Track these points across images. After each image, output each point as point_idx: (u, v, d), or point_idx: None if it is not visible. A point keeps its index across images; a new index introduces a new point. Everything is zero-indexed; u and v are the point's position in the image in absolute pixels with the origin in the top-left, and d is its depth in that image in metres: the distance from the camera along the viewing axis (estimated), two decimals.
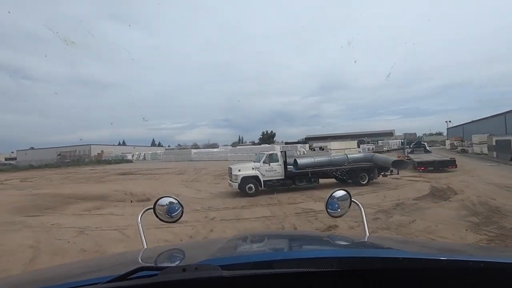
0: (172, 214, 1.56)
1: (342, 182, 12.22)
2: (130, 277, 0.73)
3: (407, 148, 27.23)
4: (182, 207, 1.60)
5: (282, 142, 74.05)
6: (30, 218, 8.46)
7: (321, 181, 11.52)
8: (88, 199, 11.45)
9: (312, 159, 11.51)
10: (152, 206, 1.57)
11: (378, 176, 11.76)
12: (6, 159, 75.15)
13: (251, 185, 10.25)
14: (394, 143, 52.76)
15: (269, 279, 0.73)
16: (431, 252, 1.13)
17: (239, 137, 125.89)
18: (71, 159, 56.93)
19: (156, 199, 1.60)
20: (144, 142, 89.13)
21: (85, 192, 13.79)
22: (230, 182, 10.79)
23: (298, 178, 10.97)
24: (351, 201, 1.56)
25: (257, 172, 10.56)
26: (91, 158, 56.72)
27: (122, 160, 52.25)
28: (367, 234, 1.49)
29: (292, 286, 0.76)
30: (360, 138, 51.91)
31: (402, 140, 42.87)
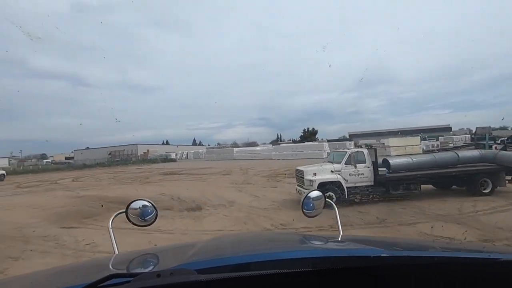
0: (146, 218, 1.49)
1: (445, 189, 9.18)
2: (101, 285, 0.69)
3: (492, 143, 22.51)
4: (156, 211, 1.52)
5: (322, 139, 70.17)
6: (66, 231, 7.00)
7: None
8: None
9: (410, 159, 8.64)
10: (124, 210, 1.48)
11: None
12: (66, 158, 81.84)
13: (331, 193, 7.77)
14: (457, 138, 46.50)
15: (246, 281, 0.73)
16: (400, 249, 1.17)
17: (278, 135, 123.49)
18: (120, 158, 59.44)
19: (129, 202, 1.50)
20: (185, 141, 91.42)
21: (129, 195, 12.49)
22: (300, 188, 8.43)
23: (392, 185, 8.25)
24: (325, 201, 1.61)
25: (338, 176, 8.09)
26: (138, 157, 58.55)
27: (166, 159, 52.95)
28: (341, 233, 1.50)
29: (269, 287, 0.76)
30: (414, 134, 46.34)
31: (473, 135, 37.08)
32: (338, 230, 1.53)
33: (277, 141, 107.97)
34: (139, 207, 1.50)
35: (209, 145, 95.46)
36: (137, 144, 66.26)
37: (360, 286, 0.85)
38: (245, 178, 16.67)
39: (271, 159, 38.74)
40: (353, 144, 48.58)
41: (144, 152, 60.20)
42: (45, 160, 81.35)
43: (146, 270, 0.98)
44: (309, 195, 1.60)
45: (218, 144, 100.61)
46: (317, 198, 1.60)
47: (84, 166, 44.64)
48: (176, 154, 57.66)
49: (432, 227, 5.69)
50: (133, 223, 1.52)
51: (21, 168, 47.04)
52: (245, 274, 0.75)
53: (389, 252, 1.01)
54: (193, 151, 64.84)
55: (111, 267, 1.13)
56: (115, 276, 0.71)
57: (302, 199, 1.59)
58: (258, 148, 49.19)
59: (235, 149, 47.87)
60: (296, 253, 1.02)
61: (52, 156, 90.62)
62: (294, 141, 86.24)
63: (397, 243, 1.50)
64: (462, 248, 1.18)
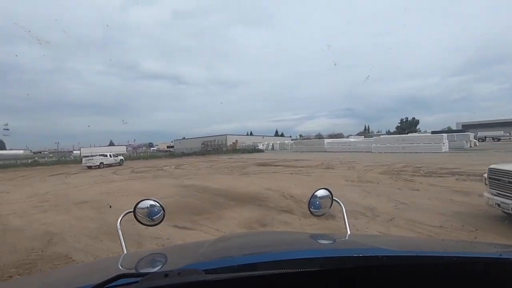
0: (153, 217, 1.51)
1: None
2: (109, 285, 0.69)
3: None
4: (164, 210, 1.53)
5: (426, 131, 59.57)
6: (179, 233, 5.80)
7: None
8: (242, 202, 8.54)
9: None
10: (132, 210, 1.49)
11: None
12: (167, 147, 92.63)
13: None
14: None
15: (253, 281, 0.73)
16: (409, 248, 1.14)
17: (365, 127, 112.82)
18: (212, 147, 63.19)
19: (137, 202, 1.51)
20: (268, 132, 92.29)
21: (234, 187, 11.34)
22: (504, 200, 5.28)
23: None
24: (332, 200, 1.58)
25: None
26: (228, 147, 61.09)
27: (254, 149, 53.47)
28: (349, 232, 1.49)
29: (276, 287, 0.76)
30: None
31: None
32: (346, 229, 1.52)
33: (365, 132, 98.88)
34: (147, 207, 1.51)
35: (290, 136, 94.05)
36: (226, 134, 69.52)
37: (369, 286, 0.84)
38: (358, 175, 13.82)
39: (370, 152, 34.14)
40: (471, 136, 38.81)
41: (233, 142, 62.53)
42: (152, 148, 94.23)
43: (154, 270, 0.96)
44: (315, 193, 1.57)
45: (300, 135, 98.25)
46: (324, 196, 1.57)
47: (182, 154, 48.66)
48: (263, 145, 57.73)
49: None
50: (140, 223, 1.51)
51: (135, 154, 54.57)
52: (253, 274, 0.76)
53: (399, 251, 0.99)
54: (278, 142, 64.08)
55: (119, 266, 1.13)
56: (124, 276, 0.71)
57: (309, 198, 1.56)
58: (352, 139, 44.54)
59: (326, 140, 44.43)
60: (303, 253, 1.03)
61: (157, 145, 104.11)
62: (390, 133, 76.74)
63: (406, 242, 1.47)
64: (473, 247, 1.17)
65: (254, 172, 17.33)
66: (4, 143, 72.68)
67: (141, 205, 1.51)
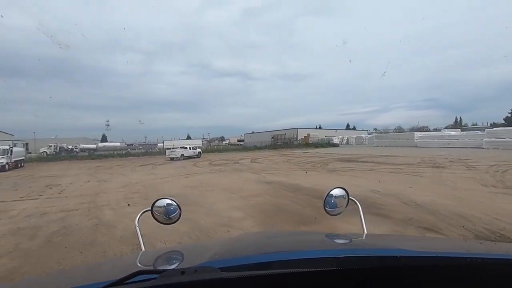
0: (170, 216, 1.51)
1: None
2: (128, 281, 0.70)
3: None
4: (180, 209, 1.54)
5: None
6: None
7: None
8: None
9: None
10: (149, 208, 1.50)
11: None
12: (238, 140, 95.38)
13: None
14: None
15: (268, 280, 0.73)
16: (429, 249, 1.09)
17: (456, 119, 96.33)
18: (281, 141, 61.97)
19: (154, 201, 1.52)
20: (337, 126, 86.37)
21: (328, 187, 9.52)
22: None
23: None
24: (348, 199, 1.54)
25: None
26: (298, 141, 59.02)
27: (328, 143, 50.20)
28: (365, 232, 1.46)
29: (292, 287, 0.76)
30: None
31: None
32: (362, 228, 1.49)
33: (457, 125, 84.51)
34: (164, 206, 1.51)
35: (367, 130, 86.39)
36: (297, 128, 67.41)
37: (386, 287, 0.82)
38: (493, 177, 10.44)
39: (481, 148, 27.95)
40: None
41: (304, 136, 60.07)
42: (224, 142, 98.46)
43: (171, 267, 0.96)
44: (331, 192, 1.55)
45: (375, 129, 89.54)
46: (340, 196, 1.54)
47: (255, 148, 48.61)
48: (337, 139, 53.87)
49: None
50: (158, 221, 1.52)
51: (209, 147, 57.09)
52: (268, 272, 0.76)
53: (418, 252, 0.94)
54: (354, 136, 59.08)
55: (138, 263, 1.15)
56: (142, 273, 0.73)
57: (324, 197, 1.55)
58: (453, 133, 37.56)
59: (417, 134, 38.45)
60: (319, 252, 1.01)
61: (228, 139, 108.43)
62: (495, 125, 63.59)
63: (426, 243, 1.43)
64: (498, 248, 1.14)
65: (342, 169, 15.12)
66: (106, 137, 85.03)
67: (158, 203, 1.52)
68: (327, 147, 46.90)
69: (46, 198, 9.77)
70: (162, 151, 40.86)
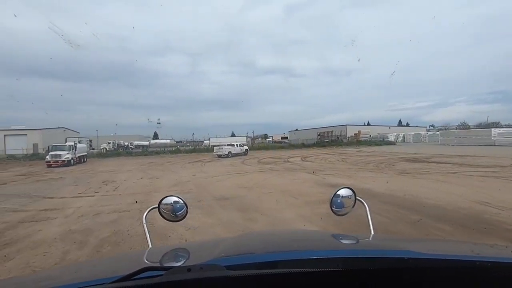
0: (177, 214, 1.52)
1: None
2: (135, 277, 0.71)
3: None
4: (187, 207, 1.56)
5: None
6: None
7: None
8: (464, 229, 4.98)
9: None
10: (156, 206, 1.51)
11: None
12: (282, 138, 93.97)
13: None
14: None
15: (274, 279, 0.73)
16: (438, 251, 1.11)
17: None
18: (329, 139, 59.05)
19: (161, 198, 1.53)
20: (386, 122, 79.82)
21: (413, 195, 7.73)
22: None
23: None
24: (356, 199, 1.53)
25: None
26: (348, 139, 55.58)
27: (382, 141, 46.22)
28: (372, 233, 1.44)
29: (297, 286, 0.76)
30: None
31: None
32: (370, 229, 1.47)
33: None
34: (171, 203, 1.52)
35: (417, 126, 78.47)
36: (346, 125, 63.65)
37: None
38: None
39: None
40: None
41: (354, 133, 56.39)
42: (267, 139, 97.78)
43: (178, 264, 0.99)
44: (338, 192, 1.54)
45: (432, 126, 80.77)
46: (347, 196, 1.53)
47: (302, 145, 46.74)
48: (393, 136, 49.34)
49: None
50: (165, 218, 1.52)
51: (253, 145, 56.59)
52: (274, 271, 0.75)
53: (426, 254, 0.92)
54: (412, 133, 53.68)
55: (145, 260, 1.16)
56: (149, 269, 0.74)
57: (330, 197, 1.54)
58: None
59: (495, 130, 33.04)
60: (325, 252, 1.00)
61: (272, 136, 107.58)
62: None
63: (435, 245, 1.43)
64: (509, 252, 1.08)
65: (415, 171, 12.91)
66: (157, 134, 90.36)
67: (165, 201, 1.52)
68: (381, 145, 43.16)
69: (102, 195, 9.57)
70: (210, 148, 41.35)
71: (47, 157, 24.40)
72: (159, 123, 78.37)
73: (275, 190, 9.33)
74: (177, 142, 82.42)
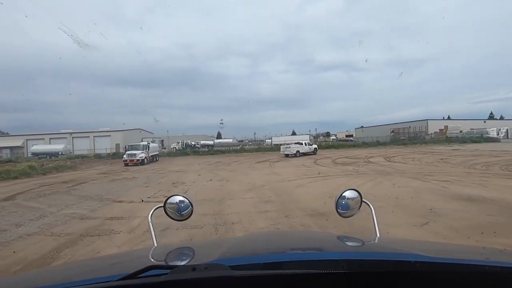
0: (182, 213, 1.53)
1: None
2: (140, 275, 0.72)
3: None
4: (192, 206, 1.56)
5: None
6: None
7: None
8: None
9: None
10: (162, 205, 1.53)
11: None
12: (346, 136, 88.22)
13: None
14: None
15: (278, 280, 0.72)
16: (445, 255, 1.03)
17: None
18: (406, 136, 52.03)
19: (166, 198, 1.54)
20: (468, 116, 66.53)
21: None
22: None
23: None
24: (361, 201, 1.51)
25: None
26: (431, 135, 48.02)
27: (481, 137, 38.27)
28: (378, 235, 1.43)
29: (302, 287, 0.75)
30: None
31: None
32: (375, 231, 1.45)
33: None
34: (176, 202, 1.53)
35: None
36: (427, 119, 55.30)
37: None
38: None
39: None
40: None
41: (440, 129, 48.47)
42: (331, 137, 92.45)
43: (182, 263, 0.97)
44: (344, 194, 1.52)
45: None
46: (352, 198, 1.51)
47: (376, 143, 41.71)
48: (497, 132, 40.53)
49: None
50: (170, 217, 1.53)
51: (317, 143, 53.08)
52: (278, 272, 0.75)
53: (434, 258, 0.88)
54: None
55: (150, 258, 1.15)
56: (154, 268, 0.73)
57: (336, 199, 1.53)
58: None
59: None
60: (330, 254, 1.01)
61: (335, 134, 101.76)
62: None
63: (442, 249, 1.37)
64: None
65: None
66: (220, 134, 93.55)
67: (171, 200, 1.53)
68: (479, 141, 35.63)
69: None
70: (274, 147, 39.78)
71: (124, 156, 25.81)
72: (222, 123, 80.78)
73: (386, 203, 6.82)
74: (239, 141, 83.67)
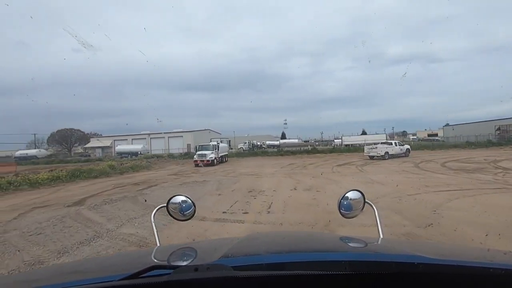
0: (185, 213, 1.54)
1: None
2: (142, 275, 0.72)
3: None
4: (194, 206, 1.57)
5: None
6: None
7: None
8: None
9: None
10: (165, 204, 1.55)
11: None
12: (428, 135, 77.20)
13: None
14: None
15: (281, 280, 0.72)
16: (448, 257, 1.02)
17: None
18: None
19: (169, 198, 1.55)
20: None
21: None
22: None
23: None
24: (364, 202, 1.50)
25: None
26: None
27: None
28: (381, 236, 1.44)
29: None
30: None
31: None
32: (378, 232, 1.45)
33: None
34: (179, 202, 1.54)
35: None
36: None
37: None
38: None
39: None
40: None
41: None
42: (411, 137, 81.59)
43: (185, 264, 0.98)
44: (346, 195, 1.50)
45: None
46: (355, 198, 1.50)
47: (476, 144, 33.65)
48: None
49: None
50: (173, 217, 1.55)
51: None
52: (281, 273, 0.75)
53: (437, 259, 0.86)
54: None
55: (153, 258, 1.16)
56: (157, 268, 0.73)
57: (339, 199, 1.51)
58: None
59: None
60: (333, 255, 0.99)
61: (415, 133, 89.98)
62: None
63: (446, 250, 1.36)
64: None
65: None
66: (285, 134, 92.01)
67: (174, 200, 1.54)
68: None
69: (254, 223, 6.01)
70: (350, 148, 35.41)
71: (195, 156, 25.34)
72: (286, 123, 78.78)
73: None
74: (304, 141, 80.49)
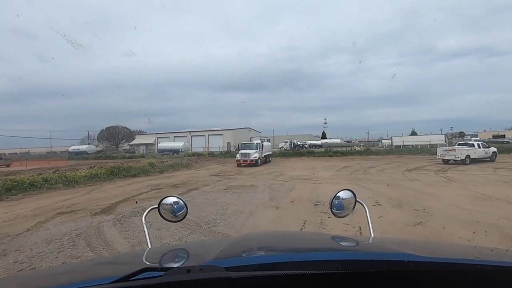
0: (177, 214, 1.49)
1: None
2: (134, 277, 0.71)
3: None
4: (186, 207, 1.52)
5: None
6: None
7: None
8: None
9: None
10: (156, 206, 1.50)
11: None
12: (493, 136, 69.39)
13: None
14: None
15: (274, 280, 0.72)
16: (438, 255, 1.06)
17: None
18: None
19: (161, 199, 1.50)
20: None
21: None
22: None
23: None
24: (356, 201, 1.51)
25: None
26: None
27: None
28: (372, 235, 1.44)
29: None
30: None
31: None
32: (369, 231, 1.46)
33: None
34: (171, 203, 1.49)
35: None
36: None
37: None
38: None
39: None
40: None
41: None
42: (473, 138, 72.86)
43: (177, 265, 0.96)
44: (338, 194, 1.50)
45: None
46: (347, 198, 1.50)
47: None
48: None
49: None
50: (164, 218, 1.50)
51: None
52: (274, 273, 0.75)
53: (427, 257, 0.88)
54: None
55: (144, 260, 1.13)
56: (148, 270, 0.73)
57: (330, 199, 1.50)
58: None
59: None
60: (325, 254, 0.99)
61: (476, 134, 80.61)
62: None
63: (435, 248, 1.37)
64: (507, 256, 1.04)
65: None
66: (325, 133, 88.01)
67: (165, 201, 1.49)
68: None
69: None
70: (413, 149, 31.08)
71: (237, 155, 23.52)
72: (326, 123, 74.91)
73: None
74: (346, 141, 76.01)
